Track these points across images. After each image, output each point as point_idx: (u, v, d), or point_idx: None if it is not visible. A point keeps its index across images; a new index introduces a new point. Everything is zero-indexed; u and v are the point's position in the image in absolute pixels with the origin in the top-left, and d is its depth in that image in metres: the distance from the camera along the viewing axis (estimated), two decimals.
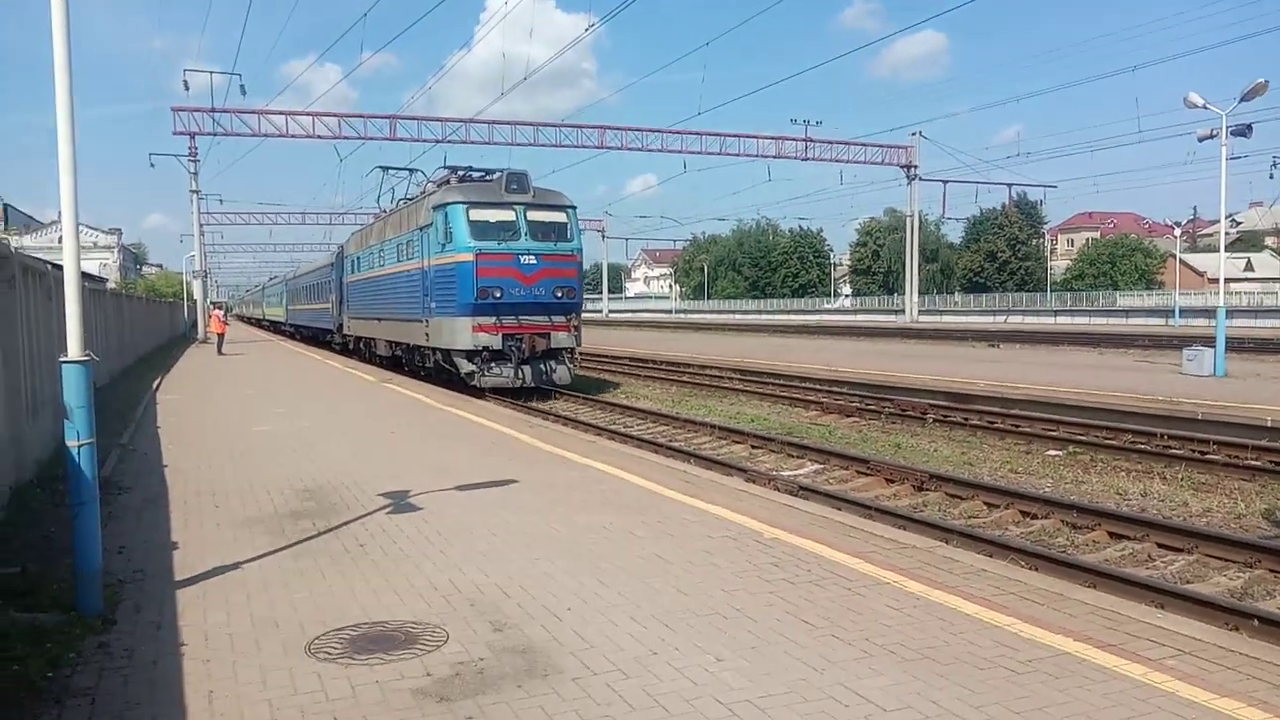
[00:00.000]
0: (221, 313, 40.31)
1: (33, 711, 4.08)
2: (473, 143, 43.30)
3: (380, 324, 26.57)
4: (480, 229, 19.15)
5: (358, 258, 30.27)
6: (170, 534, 7.21)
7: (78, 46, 5.36)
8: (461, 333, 19.02)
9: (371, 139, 42.59)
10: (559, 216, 20.24)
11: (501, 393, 19.39)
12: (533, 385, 19.51)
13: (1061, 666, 4.41)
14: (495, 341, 19.01)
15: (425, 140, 42.28)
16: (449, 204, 19.62)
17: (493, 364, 19.08)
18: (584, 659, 4.56)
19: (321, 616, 5.24)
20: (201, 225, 49.27)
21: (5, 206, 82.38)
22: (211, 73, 41.53)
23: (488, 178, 21.53)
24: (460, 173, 22.29)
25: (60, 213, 5.42)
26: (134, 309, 31.74)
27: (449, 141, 42.59)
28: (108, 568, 5.76)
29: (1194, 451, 12.19)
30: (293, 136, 42.25)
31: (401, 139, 42.54)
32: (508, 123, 45.27)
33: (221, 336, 35.73)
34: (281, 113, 42.26)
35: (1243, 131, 23.08)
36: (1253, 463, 11.35)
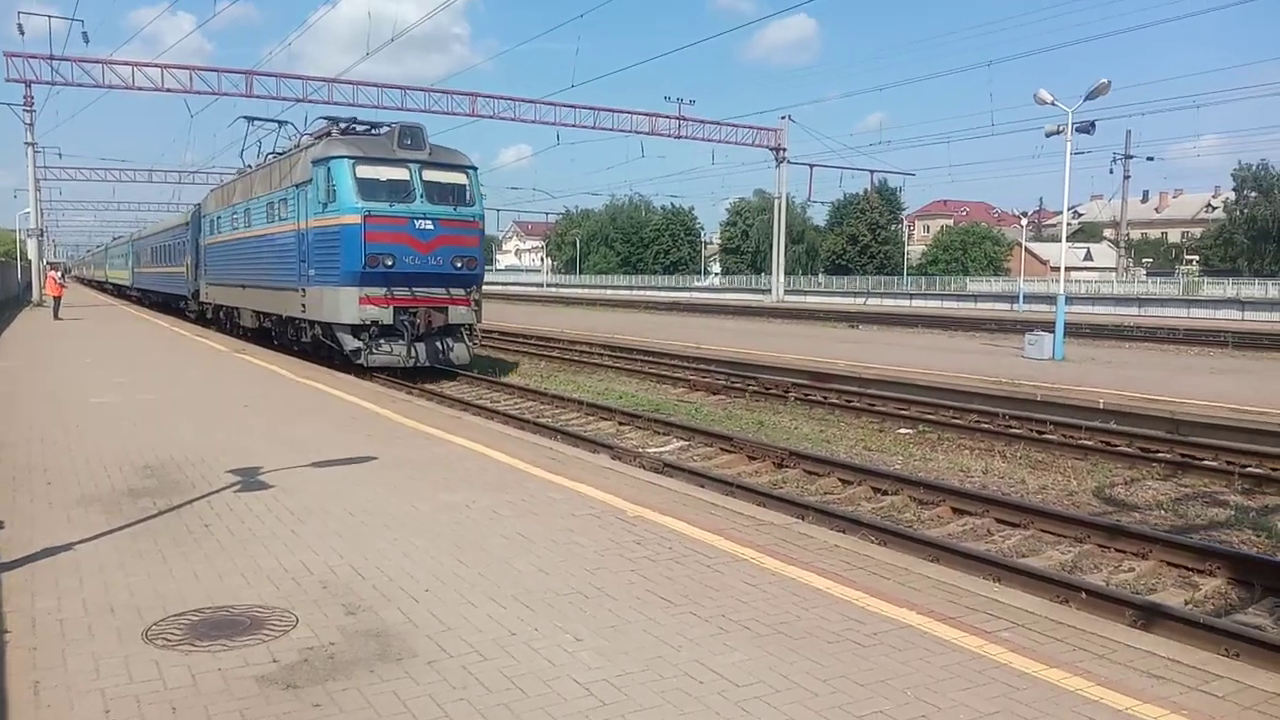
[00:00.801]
0: (58, 274, 37.78)
1: None
2: (336, 103, 41.70)
3: (245, 291, 24.16)
4: (369, 188, 17.10)
5: (218, 217, 27.62)
6: None
7: None
8: (346, 305, 17.06)
9: (226, 95, 40.46)
10: (458, 177, 18.32)
11: (390, 373, 17.79)
12: (427, 365, 17.80)
13: (905, 639, 4.59)
14: (385, 316, 17.14)
15: (285, 99, 40.46)
16: (332, 158, 17.39)
17: (382, 340, 17.26)
18: (440, 641, 4.48)
19: (161, 601, 4.98)
20: (38, 180, 45.96)
21: None
22: (50, 17, 38.55)
23: (375, 131, 19.45)
24: (342, 124, 20.08)
25: None
26: None
27: (310, 101, 40.92)
28: None
29: (1033, 431, 12.91)
30: (139, 89, 39.76)
31: (259, 96, 40.59)
32: (374, 85, 43.67)
33: (58, 300, 33.49)
34: (128, 63, 39.70)
35: (1086, 128, 24.48)
36: (1085, 442, 12.10)
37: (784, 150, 58.13)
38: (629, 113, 50.86)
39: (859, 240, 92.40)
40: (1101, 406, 13.61)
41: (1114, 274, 74.85)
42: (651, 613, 4.91)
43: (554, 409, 15.35)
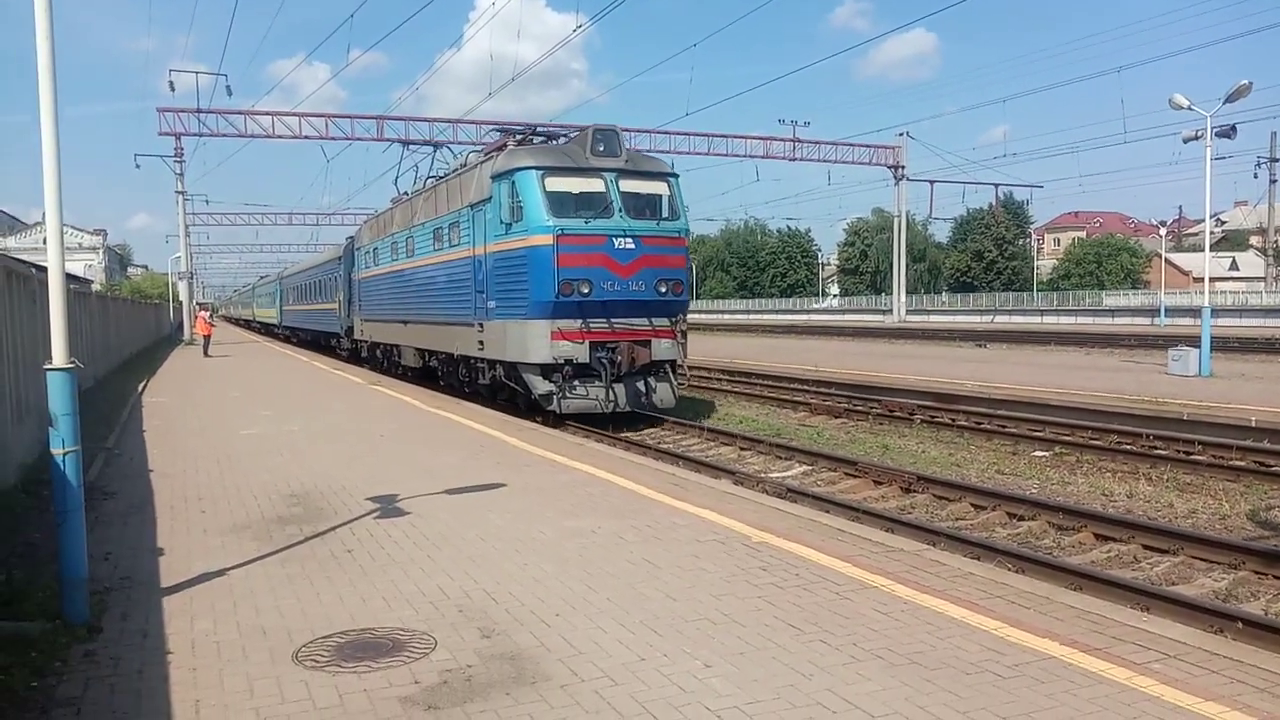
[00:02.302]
0: (207, 314, 40.11)
1: None
2: (461, 143, 43.13)
3: (407, 328, 22.20)
4: (560, 202, 14.80)
5: (374, 249, 25.83)
6: (156, 540, 7.18)
7: (63, 45, 5.34)
8: (536, 341, 14.72)
9: (359, 139, 42.46)
10: (660, 187, 15.83)
11: (584, 420, 15.38)
12: (628, 410, 15.47)
13: (1048, 670, 4.43)
14: (580, 353, 14.76)
15: (413, 141, 41.98)
16: (517, 170, 15.02)
17: (576, 382, 14.96)
18: (572, 665, 4.56)
19: (309, 624, 5.22)
20: (187, 226, 49.04)
21: None
22: (197, 73, 41.38)
23: (558, 140, 17.47)
24: (518, 134, 17.76)
25: (45, 214, 5.39)
26: (119, 311, 31.57)
27: (436, 142, 42.37)
28: (93, 575, 5.72)
29: (1179, 452, 12.26)
30: (279, 137, 42.11)
31: (388, 139, 42.32)
32: (496, 123, 44.95)
33: (207, 338, 35.54)
34: (268, 113, 42.10)
35: (1227, 132, 23.27)
36: (1237, 463, 11.43)
37: (903, 167, 57.18)
38: (743, 137, 51.02)
39: (984, 256, 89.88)
40: (1254, 425, 12.83)
41: (1262, 284, 70.52)
42: (781, 640, 4.87)
43: (675, 435, 15.41)
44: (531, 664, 4.59)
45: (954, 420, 15.55)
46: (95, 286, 37.29)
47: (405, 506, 8.14)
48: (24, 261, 11.57)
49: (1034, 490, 10.72)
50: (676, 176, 16.15)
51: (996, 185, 61.85)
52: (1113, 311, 63.39)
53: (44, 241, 5.65)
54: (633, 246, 14.84)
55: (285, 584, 5.97)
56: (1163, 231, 70.76)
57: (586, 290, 14.57)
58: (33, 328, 10.71)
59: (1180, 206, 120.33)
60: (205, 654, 4.81)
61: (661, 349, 15.49)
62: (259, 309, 68.42)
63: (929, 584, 5.78)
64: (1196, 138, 22.20)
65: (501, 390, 16.87)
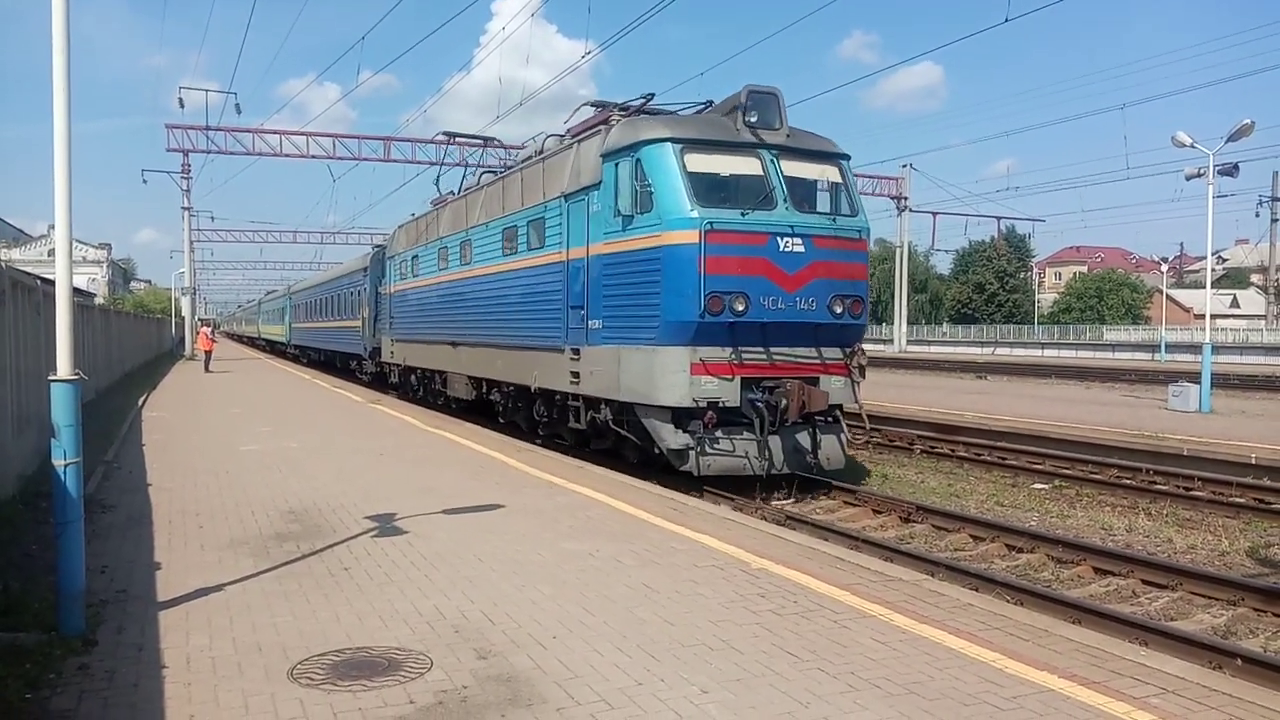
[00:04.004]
0: (209, 330, 40.18)
1: None
2: (468, 165, 43.37)
3: (457, 351, 18.39)
4: (706, 187, 11.12)
5: (411, 257, 22.14)
6: (154, 554, 7.16)
7: (75, 60, 5.38)
8: (668, 375, 10.89)
9: (366, 159, 42.65)
10: (831, 171, 12.10)
11: (728, 485, 11.62)
12: (785, 471, 11.48)
13: (1046, 704, 4.41)
14: (730, 393, 10.99)
15: (419, 162, 42.35)
16: (645, 143, 11.28)
17: (719, 433, 11.05)
18: (569, 689, 4.54)
19: (305, 641, 5.20)
20: (192, 242, 49.22)
21: None
22: (207, 91, 41.84)
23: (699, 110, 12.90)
24: (631, 104, 13.46)
25: (51, 227, 5.43)
26: (121, 325, 31.64)
27: (444, 164, 42.61)
28: (90, 587, 5.71)
29: (1179, 487, 12.24)
30: (286, 155, 42.29)
31: (395, 160, 42.63)
32: (504, 146, 45.33)
33: (209, 354, 35.58)
34: (276, 132, 42.36)
35: (1229, 171, 23.42)
36: (1237, 500, 11.41)
37: (906, 198, 57.43)
38: None
39: (986, 288, 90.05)
40: (1254, 462, 12.81)
41: (1263, 321, 70.62)
42: (778, 667, 4.85)
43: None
44: (527, 686, 4.57)
45: (954, 451, 15.54)
46: (98, 300, 37.36)
47: (403, 525, 8.13)
48: (29, 274, 11.62)
49: (1033, 523, 10.69)
50: (848, 158, 12.40)
51: (999, 218, 62.23)
52: (1113, 346, 63.44)
53: (49, 254, 5.70)
54: (802, 249, 11.11)
55: (282, 600, 5.95)
56: (1164, 268, 70.95)
57: (741, 308, 10.74)
58: (36, 339, 10.74)
59: (1182, 243, 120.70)
60: (200, 669, 4.79)
61: (834, 390, 11.58)
62: (265, 325, 66.43)
63: (928, 614, 5.77)
64: (1199, 175, 22.36)
65: (601, 438, 13.06)
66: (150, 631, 5.36)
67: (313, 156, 42.40)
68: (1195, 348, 44.98)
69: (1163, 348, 54.29)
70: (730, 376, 11.00)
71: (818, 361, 11.56)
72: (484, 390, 17.42)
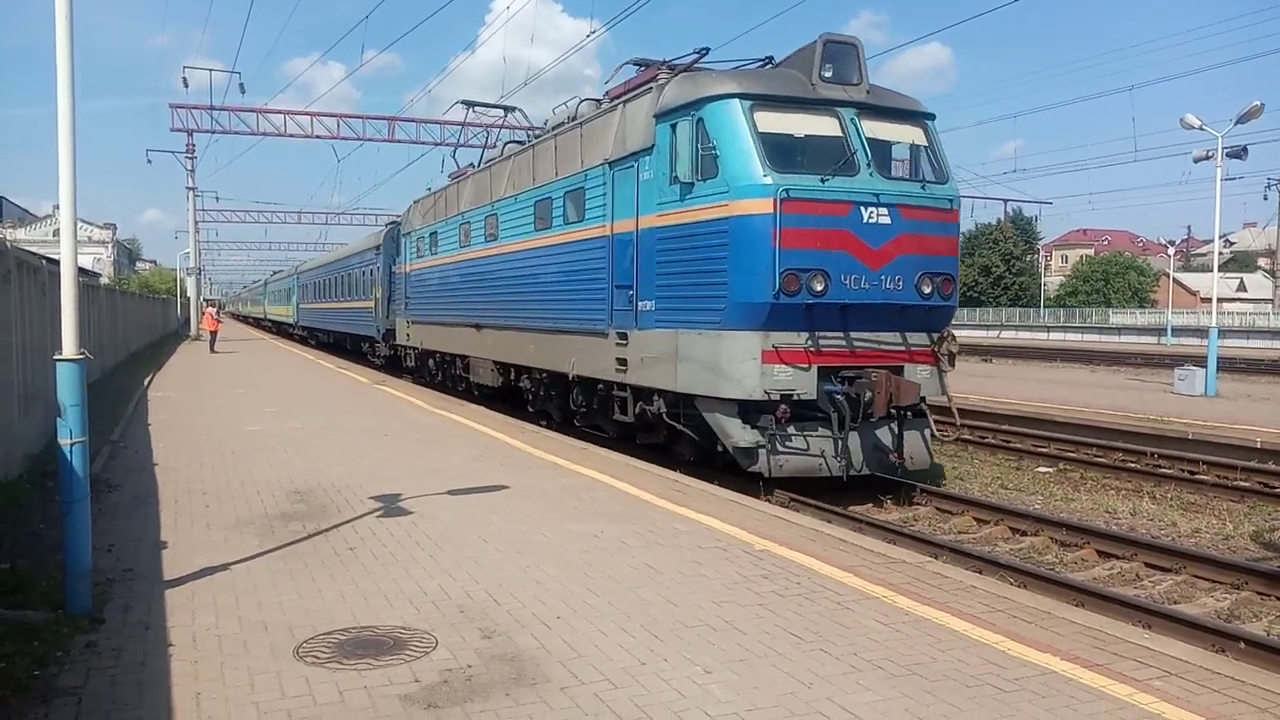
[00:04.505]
0: (215, 310, 40.23)
1: (19, 710, 4.07)
2: (473, 146, 43.19)
3: (481, 335, 17.29)
4: (780, 150, 9.92)
5: (430, 234, 20.90)
6: (160, 533, 7.20)
7: (79, 41, 5.37)
8: (736, 364, 9.71)
9: (370, 140, 42.45)
10: (915, 133, 10.79)
11: (804, 489, 10.28)
12: (865, 472, 10.20)
13: (1049, 685, 4.42)
14: (806, 384, 9.79)
15: (424, 142, 42.19)
16: (710, 100, 10.02)
17: (791, 429, 9.84)
18: (573, 668, 4.56)
19: (310, 620, 5.23)
20: (197, 222, 49.21)
21: (0, 199, 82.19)
22: (211, 70, 41.69)
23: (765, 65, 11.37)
24: (680, 62, 11.82)
25: (55, 207, 5.43)
26: (127, 305, 31.69)
27: (446, 144, 42.50)
28: (97, 566, 5.75)
29: (1184, 471, 12.24)
30: (290, 136, 42.12)
31: (400, 140, 42.47)
32: (508, 127, 45.20)
33: (214, 334, 35.63)
34: (280, 111, 42.18)
35: (1238, 153, 23.28)
36: (1242, 484, 11.41)
37: None
38: None
39: (992, 271, 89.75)
40: (1259, 446, 12.79)
41: (1270, 305, 70.35)
42: (781, 648, 4.87)
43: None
44: (532, 665, 4.59)
45: (958, 435, 15.52)
46: (103, 280, 37.41)
47: (408, 506, 8.15)
48: (34, 254, 11.63)
49: (1038, 506, 10.71)
50: (933, 117, 11.08)
51: (1006, 200, 61.73)
52: (1119, 329, 63.31)
53: (54, 234, 5.70)
54: (888, 221, 9.89)
55: (288, 580, 5.98)
56: (1171, 251, 70.71)
57: (820, 288, 9.56)
58: (41, 319, 10.76)
59: (1189, 226, 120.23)
60: (207, 647, 4.82)
61: (919, 380, 10.31)
62: (271, 306, 65.60)
63: (931, 596, 5.78)
64: (1207, 158, 22.24)
65: (650, 431, 11.97)
66: (157, 610, 5.39)
67: (317, 136, 42.25)
68: (1202, 331, 44.85)
69: (1169, 331, 54.19)
70: (806, 365, 9.81)
71: (902, 348, 10.33)
72: (512, 377, 16.40)
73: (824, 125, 10.18)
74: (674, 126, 10.48)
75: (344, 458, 10.69)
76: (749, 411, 9.92)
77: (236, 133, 41.47)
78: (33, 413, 10.30)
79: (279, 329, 59.53)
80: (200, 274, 53.87)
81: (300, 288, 47.74)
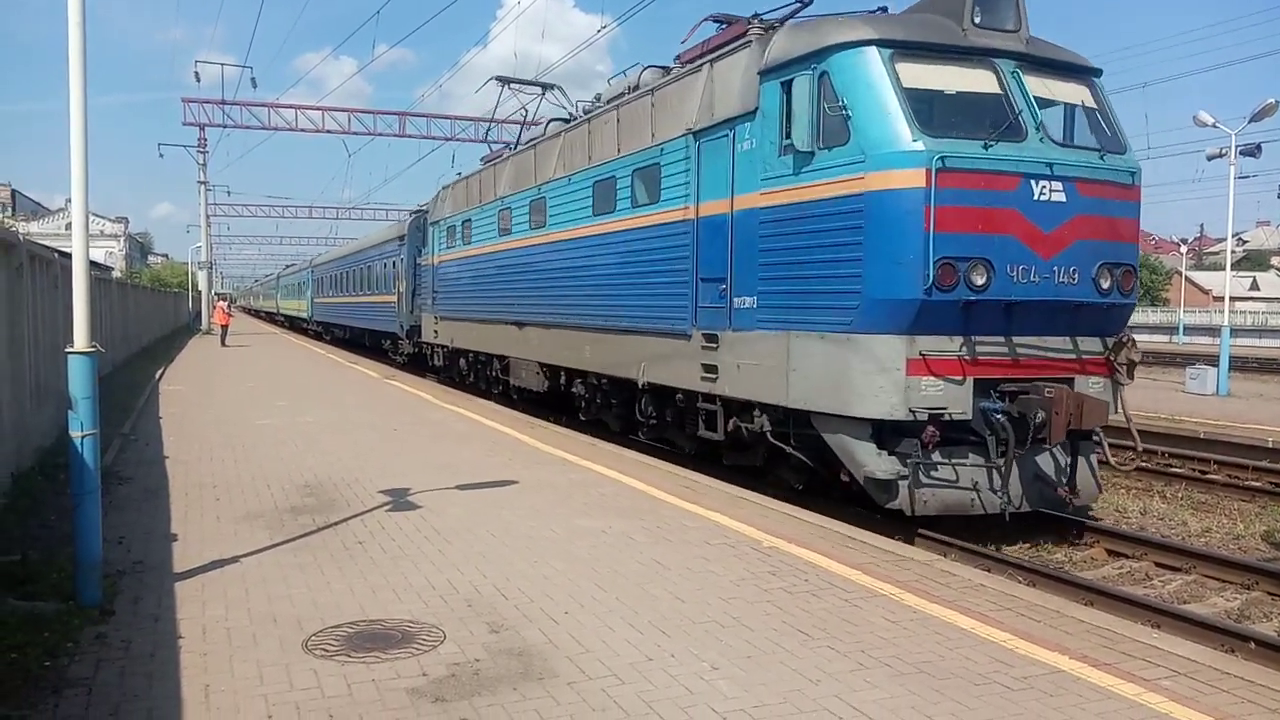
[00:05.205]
0: (225, 304, 40.35)
1: (30, 700, 4.10)
2: (482, 141, 43.26)
3: (524, 334, 15.58)
4: (930, 108, 8.33)
5: (462, 223, 19.24)
6: (170, 526, 7.24)
7: (91, 34, 5.39)
8: (873, 375, 7.98)
9: (381, 135, 42.46)
10: (1082, 92, 9.02)
11: (946, 525, 8.53)
12: (1026, 509, 8.45)
13: (1057, 684, 4.41)
14: (958, 400, 8.03)
15: (434, 137, 42.21)
16: (839, 49, 8.31)
17: (936, 455, 8.12)
18: (580, 663, 4.57)
19: (319, 613, 5.25)
20: (208, 216, 49.38)
21: (13, 193, 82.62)
22: (223, 65, 41.65)
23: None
24: (770, 16, 10.18)
25: (68, 201, 5.46)
26: (138, 298, 31.81)
27: (458, 139, 42.58)
28: (107, 558, 5.78)
29: (1195, 470, 12.18)
30: (302, 130, 42.16)
31: (410, 135, 42.50)
32: (518, 122, 45.20)
33: (225, 328, 35.76)
34: (291, 106, 42.25)
35: (1252, 151, 23.13)
36: (1253, 484, 11.35)
37: None
38: None
39: None
40: (1271, 445, 12.73)
41: None
42: (788, 645, 4.87)
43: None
44: (539, 660, 4.60)
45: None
46: (115, 274, 37.54)
47: (417, 500, 8.18)
48: (47, 247, 11.68)
49: None
50: (1100, 73, 9.29)
51: None
52: (1131, 328, 63.01)
53: (66, 227, 5.73)
54: (1062, 199, 8.16)
55: (297, 573, 6.00)
56: (1183, 249, 70.35)
57: (981, 281, 7.88)
58: (53, 313, 10.81)
59: (1202, 224, 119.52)
60: (216, 640, 4.84)
61: (1092, 395, 8.44)
62: (284, 300, 64.39)
63: (939, 594, 5.77)
64: (1220, 156, 22.12)
65: (743, 451, 10.26)
66: (167, 602, 5.42)
67: (328, 131, 42.29)
68: (1214, 330, 44.67)
69: (1181, 329, 53.94)
70: (960, 378, 7.99)
71: (1073, 356, 8.55)
72: (561, 381, 14.53)
73: (979, 80, 8.39)
74: (787, 85, 8.70)
75: (354, 452, 10.72)
76: (886, 434, 8.19)
77: (248, 127, 41.53)
78: (45, 405, 10.35)
79: (292, 324, 58.94)
80: (212, 268, 54.04)
81: (315, 281, 46.51)
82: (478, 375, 19.33)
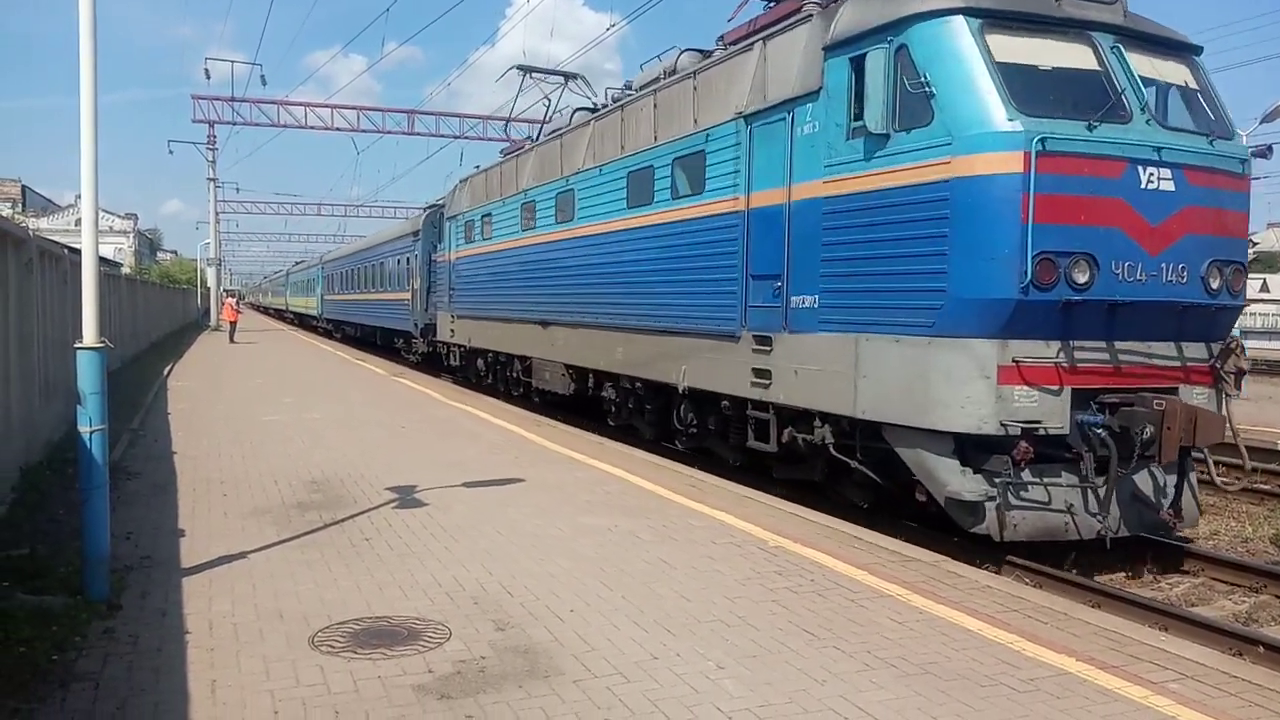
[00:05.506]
0: (234, 301, 40.46)
1: (37, 694, 4.12)
2: (491, 139, 43.26)
3: (549, 332, 14.83)
4: (1026, 85, 7.36)
5: (483, 215, 18.46)
6: (178, 521, 7.26)
7: (102, 31, 5.41)
8: (959, 385, 7.25)
9: (389, 133, 42.56)
10: (1183, 71, 8.29)
11: (1031, 551, 7.75)
12: (1125, 534, 7.63)
13: (1063, 686, 4.39)
14: (1055, 412, 7.27)
15: (443, 135, 42.29)
16: (919, 17, 7.59)
17: (1026, 473, 7.29)
18: (585, 661, 4.57)
19: (326, 609, 5.26)
20: (217, 213, 49.50)
21: (23, 189, 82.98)
22: (233, 62, 41.79)
23: None
24: None
25: (78, 197, 5.48)
26: (147, 295, 31.91)
27: (466, 137, 42.62)
28: (115, 553, 5.80)
29: (1203, 473, 12.10)
30: (311, 128, 42.26)
31: (419, 133, 42.57)
32: (526, 120, 45.23)
33: (234, 325, 35.87)
34: (301, 103, 42.35)
35: (1263, 152, 22.95)
36: (1261, 486, 11.28)
37: None
38: None
39: None
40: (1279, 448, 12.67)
41: None
42: (794, 644, 4.86)
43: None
44: (545, 658, 4.60)
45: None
46: (125, 270, 37.68)
47: (423, 498, 8.19)
48: (56, 243, 11.72)
49: None
50: (1200, 51, 8.61)
51: None
52: None
53: (76, 224, 5.75)
54: (1171, 188, 7.39)
55: (304, 569, 6.02)
56: None
57: (1084, 279, 7.10)
58: (63, 308, 10.85)
59: None
60: (223, 635, 4.85)
61: (1197, 405, 7.64)
62: (293, 297, 63.91)
63: (946, 595, 5.75)
64: None
65: (797, 464, 9.47)
66: (174, 597, 5.44)
67: (337, 129, 42.36)
68: None
69: None
70: (1056, 387, 7.22)
71: (1177, 364, 7.72)
72: (589, 384, 13.79)
73: (1075, 54, 7.57)
74: (858, 61, 7.91)
75: (360, 449, 10.74)
76: (970, 449, 7.39)
77: (257, 124, 41.66)
78: (53, 401, 10.39)
79: (301, 321, 58.49)
80: (220, 265, 54.19)
81: (326, 278, 45.85)
82: (496, 376, 18.65)
